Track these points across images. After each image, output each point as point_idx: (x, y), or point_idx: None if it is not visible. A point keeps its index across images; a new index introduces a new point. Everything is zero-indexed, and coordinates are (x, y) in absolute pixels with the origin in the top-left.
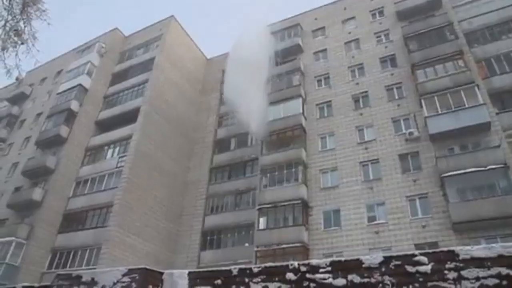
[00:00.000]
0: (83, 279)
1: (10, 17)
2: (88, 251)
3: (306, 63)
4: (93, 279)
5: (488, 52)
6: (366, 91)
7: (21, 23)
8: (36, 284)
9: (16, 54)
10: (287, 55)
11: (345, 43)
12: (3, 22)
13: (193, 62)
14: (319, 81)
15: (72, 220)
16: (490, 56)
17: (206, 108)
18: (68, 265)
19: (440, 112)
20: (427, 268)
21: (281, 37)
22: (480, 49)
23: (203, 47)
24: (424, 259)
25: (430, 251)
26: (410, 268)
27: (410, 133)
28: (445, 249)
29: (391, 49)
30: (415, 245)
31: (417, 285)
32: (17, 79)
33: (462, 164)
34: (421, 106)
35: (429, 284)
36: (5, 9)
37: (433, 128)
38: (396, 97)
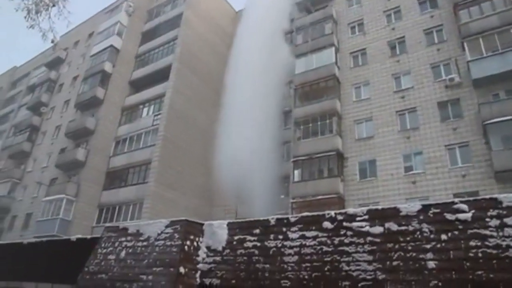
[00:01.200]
0: (130, 231)
1: None
2: (131, 206)
3: (339, 10)
4: (138, 230)
5: None
6: (403, 36)
7: None
8: (88, 236)
9: (49, 17)
10: (318, 3)
11: None
12: None
13: (221, 16)
14: (352, 28)
15: (115, 178)
16: None
17: None
18: (114, 219)
19: (485, 55)
20: (468, 215)
21: None
22: None
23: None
24: (464, 206)
25: (471, 198)
26: (449, 216)
27: (451, 79)
28: (487, 196)
29: None
30: (454, 194)
31: (456, 232)
32: (52, 41)
33: (508, 110)
34: (464, 50)
35: (469, 231)
36: None
37: (476, 73)
38: (436, 41)
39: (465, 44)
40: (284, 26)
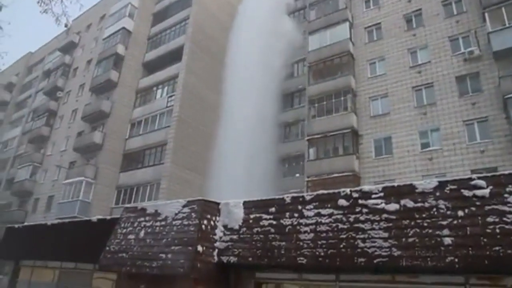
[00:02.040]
0: (148, 211)
1: None
2: (148, 187)
3: None
4: (156, 210)
5: None
6: (419, 9)
7: None
8: (108, 217)
9: (62, 1)
10: None
11: None
12: None
13: None
14: (367, 2)
15: (131, 160)
16: None
17: None
18: (133, 200)
19: (507, 25)
20: (485, 192)
21: None
22: None
23: None
24: (482, 182)
25: (489, 174)
26: (466, 192)
27: (470, 52)
28: (506, 172)
29: None
30: (472, 171)
31: (473, 208)
32: (65, 26)
33: None
34: (484, 21)
35: (487, 207)
36: None
37: (497, 45)
38: (455, 12)
39: (486, 15)
40: (289, 2)
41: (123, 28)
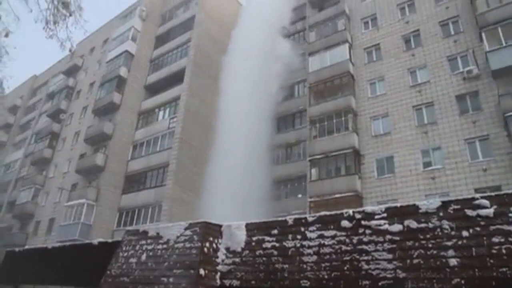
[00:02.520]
0: (149, 234)
1: None
2: (150, 209)
3: (351, 6)
4: (158, 233)
5: None
6: (417, 30)
7: None
8: (109, 240)
9: (66, 27)
10: None
11: None
12: None
13: (231, 14)
14: (365, 23)
15: (133, 181)
16: None
17: None
18: (134, 222)
19: (504, 44)
20: (489, 211)
21: None
22: None
23: None
24: (485, 202)
25: (493, 194)
26: (470, 212)
27: (469, 71)
28: (509, 191)
29: None
30: (475, 189)
31: (478, 229)
32: (70, 50)
33: None
34: (481, 40)
35: (492, 227)
36: None
37: (495, 63)
38: (452, 32)
39: (483, 35)
40: (284, 25)
41: (126, 51)
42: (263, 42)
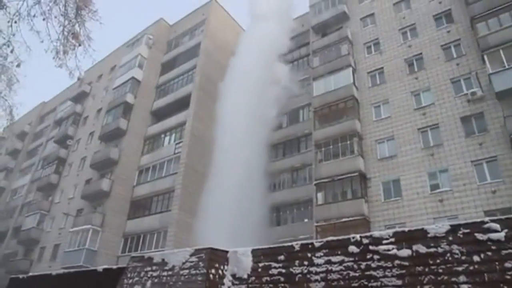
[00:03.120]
0: (155, 260)
1: (66, 22)
2: (156, 234)
3: (354, 31)
4: (163, 260)
5: None
6: (420, 53)
7: (77, 26)
8: (114, 266)
9: (76, 56)
10: (332, 25)
11: (394, 4)
12: (61, 28)
13: (235, 40)
14: (368, 48)
15: (139, 207)
16: None
17: None
18: (139, 248)
19: (507, 66)
20: (500, 235)
21: (324, 7)
22: None
23: (246, 23)
24: (496, 226)
25: (503, 217)
26: (480, 236)
27: (473, 93)
28: None
29: (446, 4)
30: (485, 212)
31: (489, 253)
32: (78, 79)
33: None
34: (484, 63)
35: (504, 252)
36: (61, 15)
37: (499, 85)
38: (455, 55)
39: (485, 57)
40: (283, 52)
41: (133, 77)
42: (261, 68)
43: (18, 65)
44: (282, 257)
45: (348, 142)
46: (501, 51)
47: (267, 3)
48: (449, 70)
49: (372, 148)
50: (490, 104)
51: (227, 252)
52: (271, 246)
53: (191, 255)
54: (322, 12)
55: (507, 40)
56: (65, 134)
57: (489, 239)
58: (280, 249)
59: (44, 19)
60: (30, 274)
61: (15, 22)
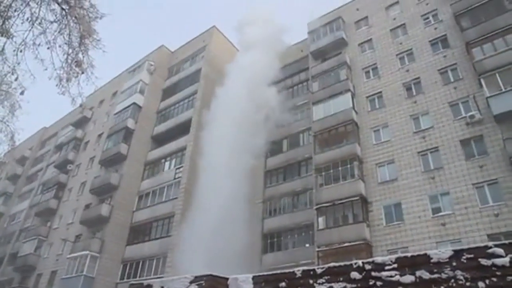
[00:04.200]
0: None
1: (70, 50)
2: (155, 260)
3: (352, 56)
4: (162, 287)
5: None
6: (418, 78)
7: (80, 55)
8: None
9: (78, 83)
10: (330, 51)
11: (391, 30)
12: (65, 56)
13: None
14: (367, 72)
15: (138, 232)
16: None
17: None
18: (138, 274)
19: (503, 89)
20: (505, 260)
21: (323, 33)
22: None
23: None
24: (500, 251)
25: (507, 242)
26: (484, 261)
27: (471, 116)
28: None
29: (441, 30)
30: (488, 235)
31: (494, 279)
32: (80, 105)
33: None
34: (481, 86)
35: (509, 278)
36: (66, 43)
37: (497, 108)
38: (452, 79)
39: (482, 81)
40: (276, 80)
41: (134, 103)
42: (247, 97)
43: (22, 93)
44: (283, 284)
45: (349, 166)
46: (497, 75)
47: (255, 32)
48: (447, 94)
49: (373, 172)
50: (489, 127)
51: (227, 279)
52: (272, 272)
53: (191, 282)
54: (320, 38)
55: (502, 64)
56: (65, 159)
57: (493, 265)
58: (281, 275)
59: (48, 48)
60: None
61: (21, 51)
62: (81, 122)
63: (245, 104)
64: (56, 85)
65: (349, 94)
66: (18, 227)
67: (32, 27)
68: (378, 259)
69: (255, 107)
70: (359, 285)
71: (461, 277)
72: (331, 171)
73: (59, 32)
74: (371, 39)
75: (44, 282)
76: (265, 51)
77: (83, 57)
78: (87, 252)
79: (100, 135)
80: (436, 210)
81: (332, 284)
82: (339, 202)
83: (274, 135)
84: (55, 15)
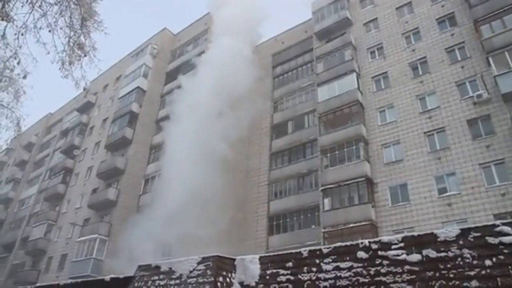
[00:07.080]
0: (162, 269)
1: (72, 33)
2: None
3: (357, 36)
4: (170, 268)
5: None
6: (424, 57)
7: (82, 37)
8: (121, 276)
9: (81, 67)
10: (335, 31)
11: (397, 8)
12: (67, 39)
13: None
14: (372, 53)
15: None
16: None
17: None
18: None
19: None
20: None
21: (327, 13)
22: None
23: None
24: (507, 229)
25: None
26: (492, 240)
27: (479, 96)
28: None
29: (449, 7)
30: (495, 215)
31: (502, 257)
32: (84, 89)
33: None
34: (489, 65)
35: None
36: (67, 26)
37: (505, 87)
38: (459, 58)
39: (490, 59)
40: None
41: (138, 87)
42: (217, 87)
43: (24, 77)
44: (290, 264)
45: (354, 147)
46: (506, 53)
47: (227, 28)
48: (454, 73)
49: (378, 153)
50: (497, 106)
51: (234, 259)
52: (279, 253)
53: (199, 263)
54: (325, 18)
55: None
56: (71, 144)
57: (500, 243)
58: (288, 255)
59: (50, 31)
60: (38, 284)
61: (22, 34)
62: (85, 107)
63: (209, 96)
64: (59, 69)
65: (354, 75)
66: (27, 212)
67: (32, 10)
68: (385, 238)
69: (223, 96)
70: (365, 264)
71: (468, 255)
72: (337, 152)
73: (60, 14)
74: (376, 18)
75: (55, 265)
76: (239, 36)
77: (85, 39)
78: (96, 235)
79: (105, 120)
80: (442, 191)
81: (339, 264)
82: (345, 183)
83: (279, 117)
84: None
